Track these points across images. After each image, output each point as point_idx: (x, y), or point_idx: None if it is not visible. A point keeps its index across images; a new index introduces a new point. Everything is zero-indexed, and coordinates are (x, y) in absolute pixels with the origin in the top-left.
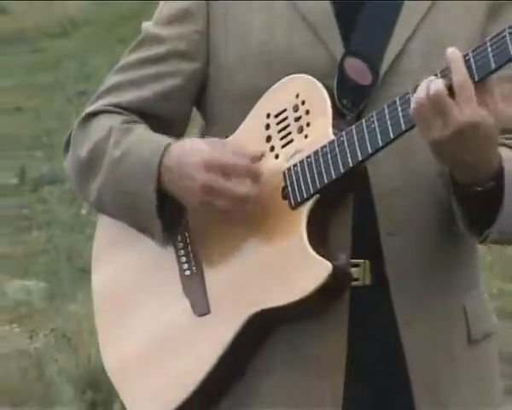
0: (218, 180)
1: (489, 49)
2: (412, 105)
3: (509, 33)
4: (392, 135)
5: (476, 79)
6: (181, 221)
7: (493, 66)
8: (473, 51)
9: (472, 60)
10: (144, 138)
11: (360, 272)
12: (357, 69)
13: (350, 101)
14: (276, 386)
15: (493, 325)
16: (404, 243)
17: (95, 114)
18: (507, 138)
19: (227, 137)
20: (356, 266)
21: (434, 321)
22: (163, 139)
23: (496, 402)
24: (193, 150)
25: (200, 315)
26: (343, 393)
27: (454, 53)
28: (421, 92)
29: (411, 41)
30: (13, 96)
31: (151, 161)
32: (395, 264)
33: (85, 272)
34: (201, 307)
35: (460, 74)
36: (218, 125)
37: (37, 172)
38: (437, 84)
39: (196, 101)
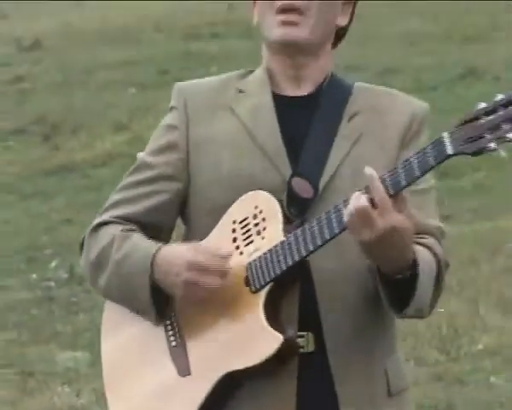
0: (197, 277)
1: (400, 171)
2: (345, 217)
3: (416, 158)
4: (327, 236)
5: (391, 193)
6: (171, 304)
7: (403, 183)
8: (388, 172)
9: (388, 179)
10: (139, 244)
11: (305, 342)
12: (301, 186)
13: (296, 210)
14: None
15: (407, 382)
16: (339, 318)
17: (101, 225)
18: (420, 237)
19: (201, 239)
20: (301, 336)
21: (363, 380)
22: (153, 244)
23: None
24: (178, 253)
25: (184, 376)
26: None
27: (372, 175)
28: (350, 207)
29: (342, 166)
30: (65, 211)
31: (146, 262)
32: (332, 335)
33: None
34: (184, 369)
35: (378, 191)
36: (196, 231)
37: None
38: (362, 201)
39: (180, 213)
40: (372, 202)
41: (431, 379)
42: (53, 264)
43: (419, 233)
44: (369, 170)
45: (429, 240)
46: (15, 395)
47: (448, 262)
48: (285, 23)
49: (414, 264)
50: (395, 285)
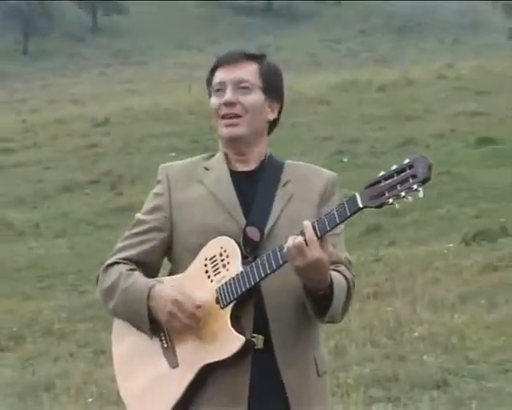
0: (176, 311)
1: (325, 219)
2: (285, 249)
3: (336, 211)
4: (274, 266)
5: (319, 235)
6: (161, 323)
7: (328, 228)
8: (317, 221)
9: (316, 225)
10: (140, 279)
11: (256, 341)
12: (252, 232)
13: (250, 249)
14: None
15: (327, 367)
16: (282, 324)
17: (111, 265)
18: (335, 266)
19: (182, 272)
20: (253, 337)
21: (299, 365)
22: (150, 280)
23: (329, 406)
24: (167, 291)
25: (174, 367)
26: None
27: (307, 223)
28: (290, 242)
29: (279, 218)
30: None
31: (143, 293)
32: (278, 337)
33: None
34: (174, 363)
35: (310, 234)
36: (178, 267)
37: None
38: (299, 239)
39: (166, 254)
40: (305, 240)
41: (382, 357)
42: None
43: (335, 263)
44: (305, 221)
45: (341, 268)
46: (90, 367)
47: (355, 282)
48: (228, 125)
49: (331, 284)
50: (317, 299)
